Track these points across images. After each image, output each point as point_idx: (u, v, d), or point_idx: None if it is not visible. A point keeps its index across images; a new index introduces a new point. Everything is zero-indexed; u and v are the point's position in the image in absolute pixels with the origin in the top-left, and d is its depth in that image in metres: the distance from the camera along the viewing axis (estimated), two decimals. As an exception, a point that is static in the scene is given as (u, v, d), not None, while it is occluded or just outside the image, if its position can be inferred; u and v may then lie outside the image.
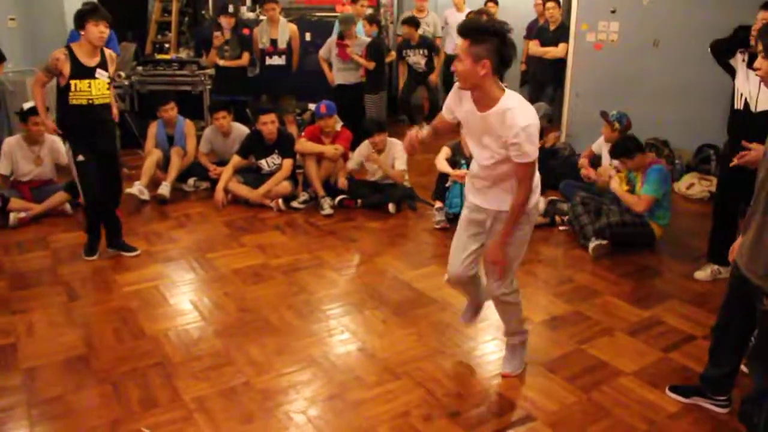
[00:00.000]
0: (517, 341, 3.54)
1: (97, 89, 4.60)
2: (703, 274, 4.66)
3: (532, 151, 2.95)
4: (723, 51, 4.19)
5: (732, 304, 2.95)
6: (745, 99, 4.09)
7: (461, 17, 9.36)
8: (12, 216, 5.52)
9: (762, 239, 2.58)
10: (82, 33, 4.52)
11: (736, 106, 4.18)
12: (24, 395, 3.30)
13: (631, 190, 5.17)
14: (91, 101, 4.59)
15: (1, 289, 4.47)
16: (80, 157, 4.67)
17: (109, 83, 4.70)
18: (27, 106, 5.76)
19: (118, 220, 5.07)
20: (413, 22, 8.34)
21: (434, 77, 8.89)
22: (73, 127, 4.66)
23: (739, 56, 4.11)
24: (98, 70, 4.61)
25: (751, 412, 2.82)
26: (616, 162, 5.37)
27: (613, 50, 7.16)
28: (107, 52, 4.73)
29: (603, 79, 7.20)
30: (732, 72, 4.22)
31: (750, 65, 3.97)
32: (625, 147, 5.15)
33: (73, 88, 4.53)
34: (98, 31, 4.50)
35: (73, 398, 3.28)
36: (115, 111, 4.96)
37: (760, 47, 2.61)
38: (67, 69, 4.49)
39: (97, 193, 4.78)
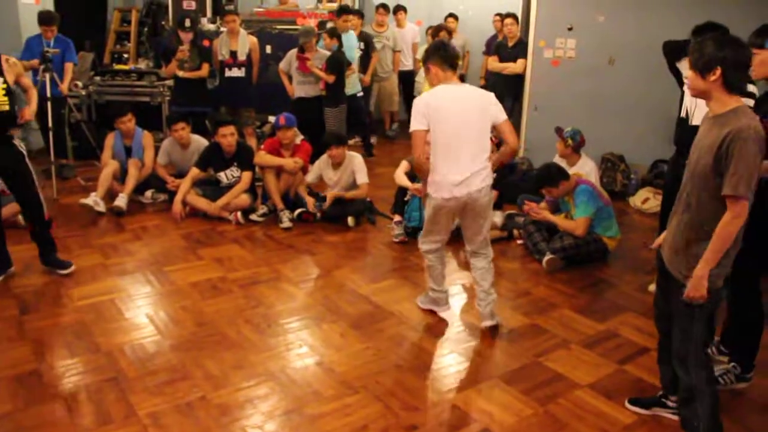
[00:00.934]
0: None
1: None
2: (654, 287, 4.74)
3: None
4: (671, 52, 4.28)
5: (662, 295, 3.12)
6: (686, 110, 4.19)
7: (405, 33, 9.48)
8: None
9: (682, 239, 2.84)
10: None
11: (681, 115, 4.27)
12: (-28, 412, 3.22)
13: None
14: None
15: (-52, 303, 4.36)
16: None
17: (5, 89, 4.47)
18: None
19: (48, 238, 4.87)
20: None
21: (366, 78, 8.83)
22: None
23: (685, 63, 4.18)
24: None
25: (689, 417, 2.91)
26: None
27: (570, 67, 7.29)
28: (4, 57, 4.54)
29: (561, 95, 7.32)
30: (679, 77, 4.28)
31: None
32: (549, 176, 5.24)
33: None
34: None
35: (22, 415, 3.20)
36: (26, 114, 4.70)
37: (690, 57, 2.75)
38: None
39: None
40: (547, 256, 5.10)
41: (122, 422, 3.17)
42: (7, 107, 4.47)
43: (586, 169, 5.60)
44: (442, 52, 3.94)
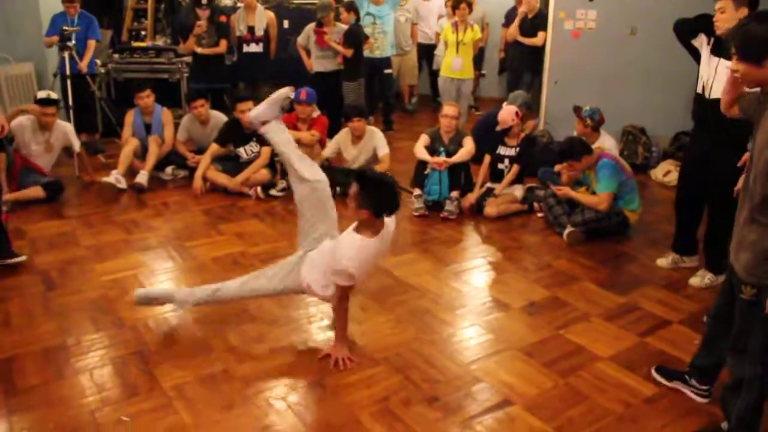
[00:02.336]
0: None
1: None
2: (664, 261, 4.72)
3: None
4: (685, 31, 4.20)
5: (725, 292, 2.95)
6: (703, 84, 4.13)
7: (431, 6, 9.39)
8: None
9: (744, 238, 2.64)
10: None
11: (697, 90, 4.20)
12: (1, 385, 3.27)
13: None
14: None
15: (-24, 279, 4.44)
16: None
17: None
18: (41, 95, 5.91)
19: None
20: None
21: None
22: None
23: (703, 38, 4.11)
24: None
25: (728, 399, 2.86)
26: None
27: (590, 38, 7.19)
28: None
29: (581, 67, 7.23)
30: (695, 54, 4.21)
31: (714, 51, 4.01)
32: (571, 150, 5.18)
33: None
34: None
35: (51, 388, 3.26)
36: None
37: (733, 49, 2.61)
38: None
39: None
40: (568, 229, 5.08)
41: (147, 394, 3.21)
42: None
43: (606, 145, 5.54)
44: None
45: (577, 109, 5.69)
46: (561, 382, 3.34)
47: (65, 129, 6.10)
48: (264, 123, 3.77)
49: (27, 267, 4.62)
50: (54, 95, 6.06)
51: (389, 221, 3.52)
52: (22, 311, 4.02)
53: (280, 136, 3.78)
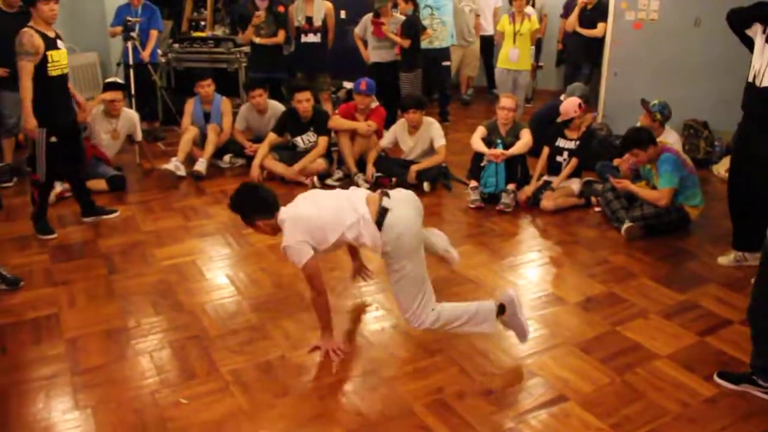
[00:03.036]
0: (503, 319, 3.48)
1: (64, 59, 4.77)
2: (725, 259, 4.60)
3: None
4: (739, 21, 4.08)
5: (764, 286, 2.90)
6: (755, 73, 4.01)
7: None
8: (51, 194, 5.62)
9: None
10: (34, 12, 4.58)
11: (748, 79, 4.09)
12: (67, 364, 3.39)
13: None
14: (63, 70, 4.75)
15: (43, 262, 4.58)
16: (53, 138, 4.78)
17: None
18: (110, 80, 6.16)
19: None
20: None
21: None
22: (53, 101, 4.73)
23: (758, 27, 3.99)
24: (58, 41, 4.73)
25: None
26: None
27: (653, 29, 7.03)
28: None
29: (642, 59, 7.08)
30: (749, 43, 4.09)
31: None
32: (638, 138, 5.03)
33: (50, 59, 4.63)
34: (49, 9, 4.57)
35: (114, 368, 3.36)
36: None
37: None
38: (42, 45, 4.56)
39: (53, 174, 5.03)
40: (627, 224, 4.99)
41: (205, 378, 3.28)
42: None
43: (670, 140, 5.42)
44: None
45: (645, 103, 5.57)
46: (617, 379, 3.29)
47: (131, 117, 6.25)
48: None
49: (90, 250, 4.76)
50: (120, 81, 6.21)
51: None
52: (86, 293, 4.15)
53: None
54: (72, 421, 2.98)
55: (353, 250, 4.01)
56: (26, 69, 4.56)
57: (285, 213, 3.35)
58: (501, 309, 3.42)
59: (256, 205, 3.39)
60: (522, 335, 3.47)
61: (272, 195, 3.44)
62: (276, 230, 3.40)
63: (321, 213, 3.31)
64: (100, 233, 5.05)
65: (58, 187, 5.68)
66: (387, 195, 3.35)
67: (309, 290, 3.43)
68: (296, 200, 3.47)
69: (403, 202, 3.37)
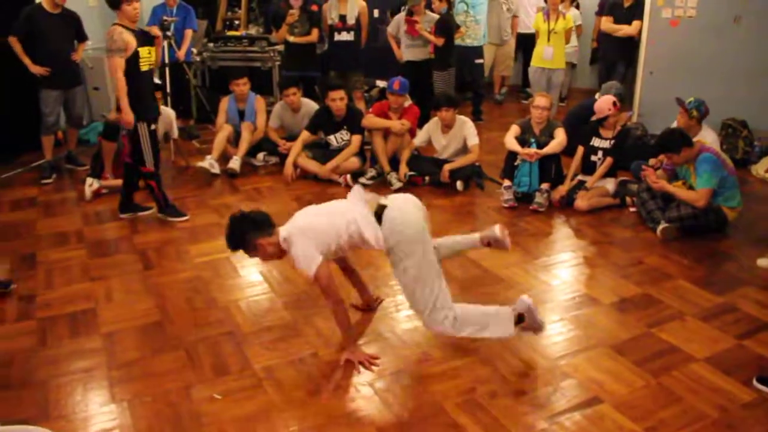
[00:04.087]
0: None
1: (154, 55, 4.99)
2: (765, 261, 4.51)
3: None
4: None
5: None
6: None
7: None
8: (87, 190, 5.72)
9: None
10: (119, 12, 4.73)
11: None
12: (104, 358, 3.45)
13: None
14: (151, 66, 4.93)
15: (81, 257, 4.66)
16: (153, 126, 4.94)
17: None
18: None
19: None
20: None
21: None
22: (144, 95, 4.89)
23: None
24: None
25: None
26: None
27: (690, 27, 6.91)
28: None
29: (679, 57, 6.97)
30: None
31: None
32: (671, 141, 4.95)
33: (140, 55, 4.80)
34: (133, 8, 4.72)
35: (149, 362, 3.41)
36: None
37: None
38: (133, 40, 4.71)
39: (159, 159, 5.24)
40: (663, 225, 4.93)
41: (239, 374, 3.31)
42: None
43: (708, 140, 5.33)
44: None
45: (681, 101, 5.49)
46: (653, 382, 3.24)
47: (168, 114, 6.32)
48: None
49: (126, 246, 4.83)
50: (157, 81, 6.29)
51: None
52: (122, 288, 4.21)
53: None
54: (108, 413, 3.03)
55: (358, 283, 3.91)
56: (118, 64, 4.72)
57: (286, 229, 3.29)
58: (520, 318, 3.35)
59: (252, 226, 3.26)
60: (539, 330, 3.46)
61: (263, 214, 3.34)
62: (280, 250, 3.29)
63: (320, 218, 3.34)
64: (135, 230, 5.12)
65: (95, 183, 5.77)
66: (385, 198, 3.41)
67: (326, 301, 3.37)
68: (294, 217, 3.44)
69: (401, 200, 3.45)
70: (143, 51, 4.81)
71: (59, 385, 3.24)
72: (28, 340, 3.63)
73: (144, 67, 4.86)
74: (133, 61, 4.75)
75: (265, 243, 3.26)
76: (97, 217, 5.40)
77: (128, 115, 4.80)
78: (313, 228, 3.27)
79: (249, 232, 3.25)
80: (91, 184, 5.77)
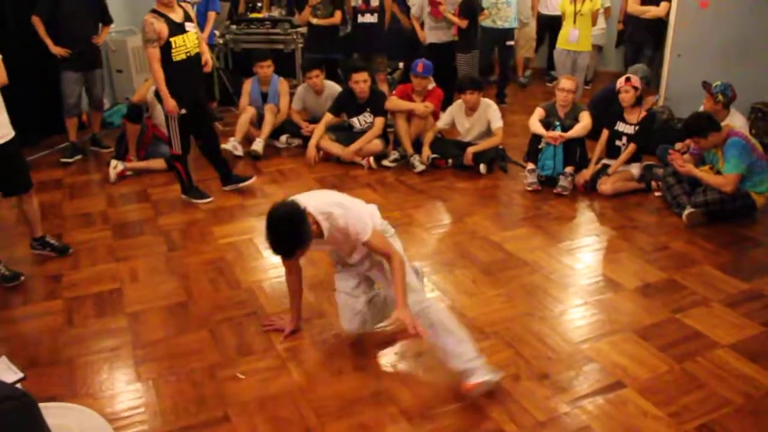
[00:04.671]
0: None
1: (190, 42, 4.86)
2: None
3: None
4: None
5: None
6: None
7: None
8: (112, 172, 5.77)
9: None
10: None
11: None
12: (129, 337, 3.49)
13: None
14: (188, 54, 4.85)
15: (107, 238, 4.70)
16: (182, 111, 4.90)
17: (197, 34, 4.97)
18: None
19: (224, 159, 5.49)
20: None
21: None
22: (178, 83, 4.85)
23: None
24: (187, 24, 4.85)
25: None
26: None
27: (720, 8, 6.77)
28: (182, 4, 4.96)
29: (708, 39, 6.84)
30: None
31: None
32: (698, 125, 4.87)
33: (173, 45, 4.74)
34: None
35: (174, 342, 3.45)
36: (206, 59, 5.17)
37: None
38: (164, 30, 4.69)
39: (188, 143, 5.19)
40: (688, 210, 4.87)
41: (262, 354, 3.34)
42: (198, 50, 5.01)
43: (737, 124, 5.24)
44: None
45: (707, 85, 5.40)
46: (677, 367, 3.22)
47: None
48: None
49: (151, 228, 4.87)
50: None
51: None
52: (147, 269, 4.25)
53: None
54: (134, 392, 3.07)
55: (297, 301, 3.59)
56: (153, 55, 4.75)
57: (316, 207, 3.03)
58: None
59: (300, 216, 2.94)
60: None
61: (290, 203, 3.03)
62: (320, 231, 3.04)
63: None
64: (159, 211, 5.16)
65: (119, 165, 5.82)
66: None
67: (389, 260, 3.13)
68: (306, 199, 3.13)
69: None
70: (177, 40, 4.77)
71: (86, 363, 3.28)
72: (56, 319, 3.69)
73: (177, 57, 4.79)
74: (165, 50, 4.75)
75: (313, 229, 3.00)
76: (121, 198, 5.45)
77: (168, 103, 4.83)
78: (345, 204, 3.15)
79: (302, 225, 2.92)
80: (116, 166, 5.81)
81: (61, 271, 4.23)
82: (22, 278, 4.12)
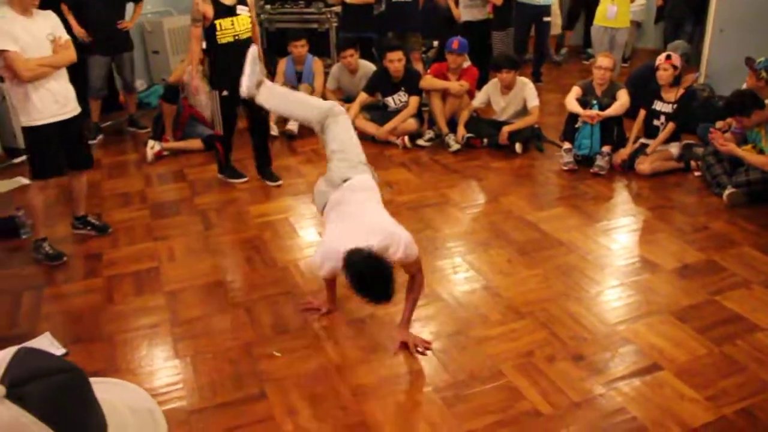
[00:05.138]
0: None
1: (240, 25, 4.83)
2: None
3: None
4: None
5: None
6: None
7: None
8: (149, 152, 5.84)
9: None
10: None
11: None
12: (168, 314, 3.54)
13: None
14: (237, 37, 4.83)
15: (144, 218, 4.77)
16: (224, 92, 4.91)
17: (250, 18, 4.93)
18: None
19: (267, 149, 5.42)
20: None
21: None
22: (223, 65, 4.86)
23: None
24: (239, 7, 4.83)
25: None
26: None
27: (765, -19, 6.61)
28: None
29: (752, 13, 6.64)
30: None
31: None
32: (741, 103, 4.75)
33: (218, 28, 4.74)
34: None
35: (211, 320, 3.49)
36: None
37: None
38: (210, 11, 4.68)
39: (233, 126, 5.16)
40: (729, 190, 4.77)
41: (298, 332, 3.37)
42: (251, 33, 4.98)
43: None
44: None
45: (750, 61, 5.26)
46: (715, 350, 3.18)
47: None
48: (259, 85, 3.74)
49: (187, 207, 4.93)
50: None
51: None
52: (185, 248, 4.31)
53: (277, 99, 3.81)
54: (172, 368, 3.13)
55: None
56: (193, 34, 4.84)
57: (377, 234, 2.97)
58: None
59: (391, 277, 2.82)
60: None
61: (376, 259, 2.84)
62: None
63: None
64: (196, 191, 5.21)
65: (157, 146, 5.88)
66: None
67: (418, 283, 3.23)
68: (361, 219, 3.16)
69: None
70: (224, 23, 4.76)
71: (126, 340, 3.35)
72: (96, 296, 3.76)
73: (223, 39, 4.78)
74: (210, 32, 4.77)
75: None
76: (159, 178, 5.52)
77: (194, 81, 4.86)
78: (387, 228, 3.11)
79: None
80: (153, 147, 5.88)
81: (101, 249, 4.31)
82: (65, 258, 4.19)
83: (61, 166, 4.13)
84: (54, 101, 3.94)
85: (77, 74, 6.44)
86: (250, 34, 4.95)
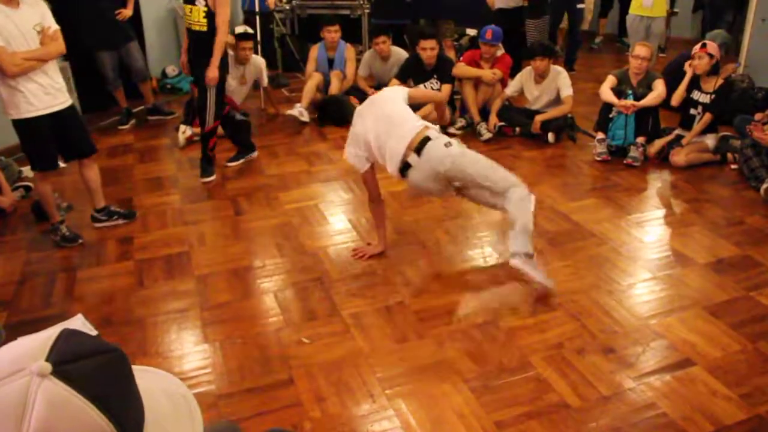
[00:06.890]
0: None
1: (195, 16, 4.74)
2: None
3: None
4: None
5: None
6: None
7: None
8: (180, 137, 5.87)
9: None
10: None
11: None
12: (197, 299, 3.56)
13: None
14: (190, 26, 4.80)
15: (175, 202, 4.81)
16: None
17: (205, 12, 4.71)
18: (239, 30, 6.07)
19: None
20: None
21: None
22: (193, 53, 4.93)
23: None
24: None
25: None
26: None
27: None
28: None
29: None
30: None
31: None
32: None
33: (183, 13, 4.82)
34: None
35: (240, 305, 3.51)
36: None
37: None
38: None
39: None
40: (767, 183, 4.68)
41: (326, 319, 3.37)
42: (205, 28, 4.77)
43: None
44: None
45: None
46: (749, 347, 3.11)
47: (258, 63, 6.32)
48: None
49: (218, 193, 4.95)
50: (250, 30, 6.30)
51: None
52: (215, 233, 4.33)
53: None
54: (201, 352, 3.14)
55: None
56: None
57: None
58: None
59: None
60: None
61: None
62: None
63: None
64: (226, 176, 5.24)
65: (188, 131, 5.91)
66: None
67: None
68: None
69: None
70: (186, 8, 4.75)
71: (156, 323, 3.38)
72: (127, 280, 3.80)
73: (187, 25, 4.81)
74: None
75: None
76: (189, 163, 5.55)
77: (212, 72, 4.78)
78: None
79: None
80: (184, 131, 5.91)
81: (132, 233, 4.35)
82: (81, 241, 4.23)
83: (53, 159, 4.09)
84: (45, 93, 3.86)
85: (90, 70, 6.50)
86: (203, 29, 4.75)
